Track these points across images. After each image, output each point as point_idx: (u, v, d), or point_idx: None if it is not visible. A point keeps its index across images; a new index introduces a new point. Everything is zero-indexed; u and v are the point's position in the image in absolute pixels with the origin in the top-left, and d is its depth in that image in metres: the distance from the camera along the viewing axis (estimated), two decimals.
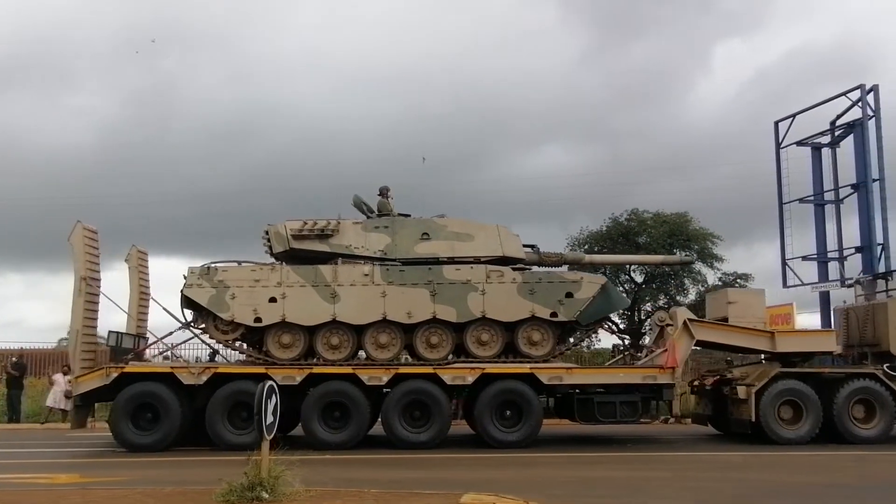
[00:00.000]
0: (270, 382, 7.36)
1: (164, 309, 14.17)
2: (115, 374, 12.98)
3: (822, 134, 24.87)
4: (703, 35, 74.52)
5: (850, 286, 19.95)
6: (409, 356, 14.04)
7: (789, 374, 13.91)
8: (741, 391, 13.79)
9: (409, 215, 14.51)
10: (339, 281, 13.43)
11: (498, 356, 13.60)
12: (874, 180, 22.96)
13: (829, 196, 24.74)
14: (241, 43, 70.38)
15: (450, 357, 13.57)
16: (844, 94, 23.70)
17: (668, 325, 14.91)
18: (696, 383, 15.79)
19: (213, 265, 13.59)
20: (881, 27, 73.33)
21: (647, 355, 15.03)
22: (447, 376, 13.15)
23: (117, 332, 14.10)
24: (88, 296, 13.39)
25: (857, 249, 23.64)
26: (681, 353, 13.69)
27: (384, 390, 13.28)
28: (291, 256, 13.95)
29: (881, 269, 21.26)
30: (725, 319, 14.68)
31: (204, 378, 13.01)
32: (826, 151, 25.11)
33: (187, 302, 13.47)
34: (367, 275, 13.48)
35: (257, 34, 70.83)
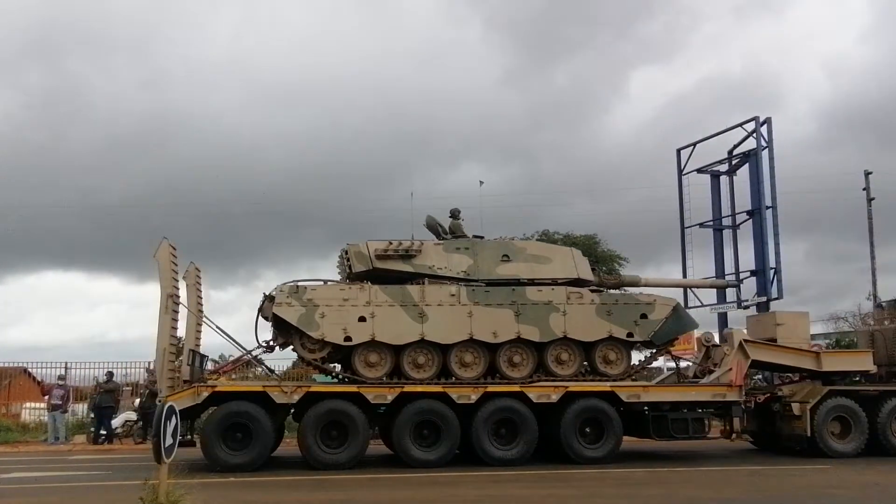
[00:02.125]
0: (171, 404, 7.20)
1: (217, 330, 14.12)
2: (206, 394, 12.83)
3: (721, 162, 25.54)
4: (621, 61, 77.72)
5: (745, 308, 21.24)
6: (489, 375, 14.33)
7: (838, 391, 14.92)
8: (796, 408, 14.71)
9: (482, 237, 14.92)
10: (426, 301, 13.67)
11: (576, 375, 14.10)
12: (767, 207, 23.58)
13: (727, 221, 25.29)
14: (155, 48, 68.77)
15: (533, 376, 13.97)
16: (741, 125, 24.37)
17: (713, 345, 15.79)
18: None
19: (301, 283, 13.62)
20: (784, 61, 78.35)
21: (694, 375, 15.89)
22: (533, 394, 13.55)
23: (195, 351, 13.90)
24: (173, 313, 13.19)
25: (752, 273, 24.07)
26: (742, 371, 14.51)
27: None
28: (372, 276, 14.08)
29: (773, 292, 22.55)
30: (773, 340, 15.62)
31: (296, 397, 13.00)
32: (724, 179, 25.70)
33: (276, 320, 13.42)
34: (453, 295, 13.77)
35: (172, 40, 69.36)
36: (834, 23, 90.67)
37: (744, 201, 24.64)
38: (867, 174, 32.30)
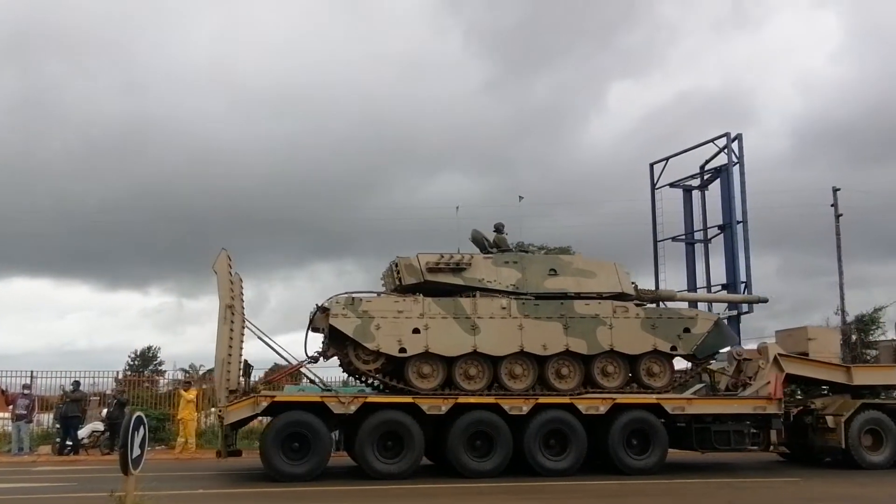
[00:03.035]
0: (139, 414, 7.06)
1: (262, 338, 14.24)
2: (265, 404, 12.95)
3: (693, 177, 26.32)
4: (601, 72, 78.85)
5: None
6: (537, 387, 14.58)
7: (870, 405, 15.37)
8: (830, 421, 15.13)
9: (526, 251, 15.22)
10: (478, 313, 13.92)
11: (621, 387, 14.41)
12: (738, 222, 24.36)
13: (699, 235, 26.11)
14: (135, 52, 68.40)
15: (580, 388, 14.26)
16: (712, 140, 25.23)
17: (745, 359, 16.21)
18: None
19: (356, 295, 13.81)
20: (759, 77, 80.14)
21: (726, 388, 16.28)
22: (582, 406, 13.83)
23: (246, 361, 14.02)
24: (231, 324, 13.31)
25: (724, 286, 24.78)
26: (781, 385, 14.91)
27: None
28: (423, 288, 14.30)
29: (744, 306, 22.74)
30: (804, 354, 16.06)
31: (353, 408, 13.16)
32: (696, 194, 26.52)
33: (331, 331, 13.58)
34: (504, 308, 14.04)
35: (153, 44, 69.02)
36: (807, 41, 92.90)
37: (716, 216, 25.40)
38: (835, 190, 33.02)
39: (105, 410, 20.90)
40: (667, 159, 26.74)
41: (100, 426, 20.38)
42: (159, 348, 59.17)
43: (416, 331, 13.67)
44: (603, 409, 13.90)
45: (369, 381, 14.75)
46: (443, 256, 14.30)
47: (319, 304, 14.03)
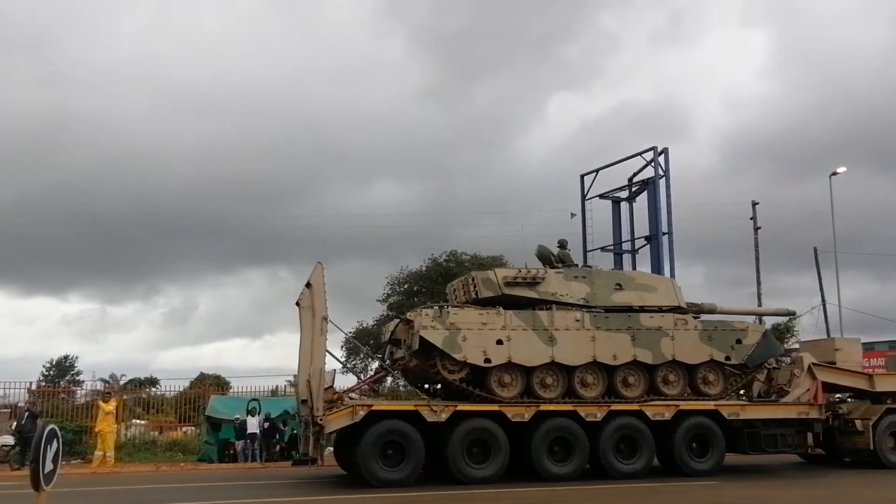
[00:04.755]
0: (52, 426, 6.68)
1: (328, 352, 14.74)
2: (362, 413, 13.45)
3: (621, 189, 27.14)
4: (540, 82, 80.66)
5: None
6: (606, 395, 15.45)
7: (893, 409, 16.85)
8: (859, 424, 16.56)
9: (577, 265, 16.13)
10: (555, 325, 14.73)
11: (681, 394, 15.46)
12: (664, 233, 25.10)
13: (627, 246, 26.87)
14: (54, 48, 66.24)
15: (644, 395, 15.23)
16: (640, 153, 26.07)
17: (774, 367, 17.52)
18: None
19: (443, 307, 14.43)
20: (691, 92, 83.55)
21: (758, 395, 17.52)
22: (650, 412, 14.82)
23: (333, 371, 14.47)
24: (327, 334, 13.78)
25: None
26: (821, 391, 16.23)
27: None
28: (499, 301, 15.01)
29: None
30: (831, 363, 17.45)
31: (444, 416, 13.79)
32: (624, 205, 27.28)
33: (421, 342, 14.15)
34: (578, 320, 14.89)
35: (73, 40, 66.83)
36: (737, 58, 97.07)
37: (643, 227, 26.25)
38: (754, 204, 35.25)
39: (15, 423, 20.23)
40: (597, 171, 27.37)
41: (10, 440, 19.88)
42: (76, 357, 58.09)
43: (499, 342, 14.38)
44: (668, 415, 14.91)
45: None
46: (520, 271, 15.07)
47: (402, 316, 14.60)
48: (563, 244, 16.25)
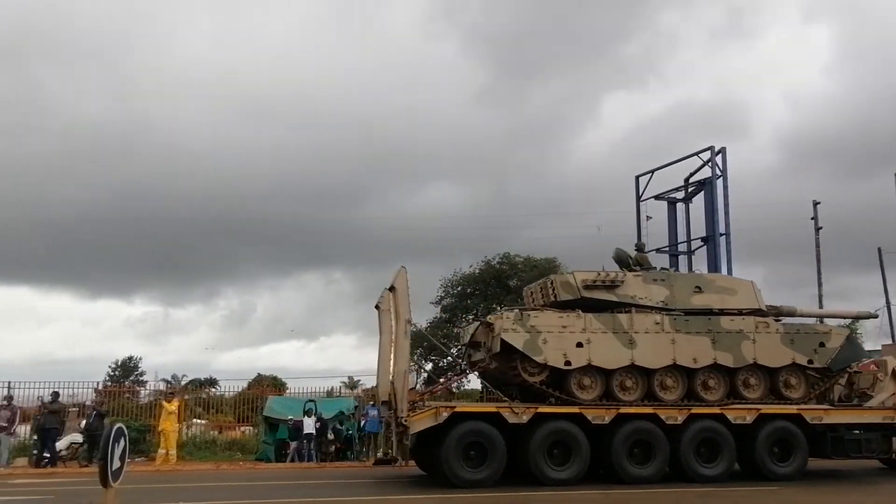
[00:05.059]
0: (119, 425, 6.85)
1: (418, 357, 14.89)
2: (446, 414, 13.63)
3: (677, 189, 26.62)
4: (596, 82, 79.56)
5: None
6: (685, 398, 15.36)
7: None
8: None
9: (655, 267, 16.03)
10: (634, 328, 14.70)
11: (762, 398, 15.29)
12: (721, 235, 24.65)
13: (683, 247, 26.32)
14: (124, 57, 67.54)
15: (725, 399, 15.11)
16: (697, 153, 25.57)
17: (855, 371, 17.18)
18: None
19: (524, 311, 14.53)
20: (752, 90, 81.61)
21: (839, 398, 17.21)
22: (731, 416, 14.69)
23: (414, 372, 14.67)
24: (411, 337, 13.99)
25: None
26: None
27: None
28: (578, 304, 15.04)
29: None
30: None
31: (525, 417, 13.89)
32: (680, 206, 26.75)
33: (503, 345, 14.27)
34: (658, 323, 14.83)
35: (142, 49, 68.05)
36: (799, 55, 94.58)
37: (700, 227, 25.67)
38: (815, 204, 34.05)
39: (84, 422, 20.66)
40: (652, 172, 27.00)
41: (78, 438, 20.22)
42: (140, 358, 59.19)
43: (579, 345, 14.41)
44: (749, 419, 14.76)
45: None
46: (598, 274, 15.06)
47: (483, 319, 14.73)
48: (640, 247, 16.26)
